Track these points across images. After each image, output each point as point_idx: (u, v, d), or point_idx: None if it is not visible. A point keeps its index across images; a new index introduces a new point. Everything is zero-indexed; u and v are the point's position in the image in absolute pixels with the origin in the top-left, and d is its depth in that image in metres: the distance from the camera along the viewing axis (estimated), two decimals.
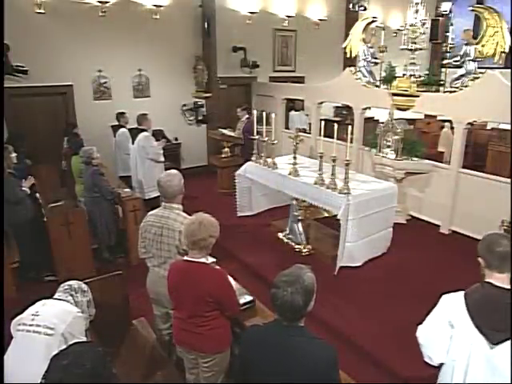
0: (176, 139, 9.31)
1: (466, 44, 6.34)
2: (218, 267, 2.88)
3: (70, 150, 6.59)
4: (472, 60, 6.24)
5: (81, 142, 6.11)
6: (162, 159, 6.52)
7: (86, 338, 2.67)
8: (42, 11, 7.21)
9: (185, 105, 9.47)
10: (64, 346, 2.41)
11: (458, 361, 2.07)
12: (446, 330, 2.11)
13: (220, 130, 8.35)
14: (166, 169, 8.86)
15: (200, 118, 9.69)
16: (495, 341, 1.97)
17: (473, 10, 6.37)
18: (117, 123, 7.56)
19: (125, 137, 7.15)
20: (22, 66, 7.22)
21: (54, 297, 2.67)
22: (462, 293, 2.13)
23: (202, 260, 2.72)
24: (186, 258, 2.77)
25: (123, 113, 7.47)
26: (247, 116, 8.11)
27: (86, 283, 3.40)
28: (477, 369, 2.02)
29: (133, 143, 6.62)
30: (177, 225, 3.17)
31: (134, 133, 6.75)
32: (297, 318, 2.05)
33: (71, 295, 2.69)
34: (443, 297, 2.21)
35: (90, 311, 2.78)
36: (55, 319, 2.44)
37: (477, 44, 6.16)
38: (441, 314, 2.18)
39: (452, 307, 2.13)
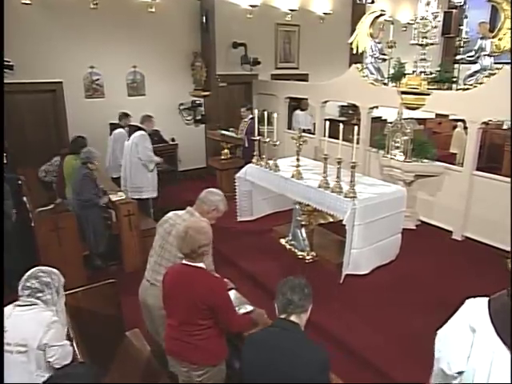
0: (173, 140, 9.34)
1: (482, 38, 6.32)
2: (217, 275, 2.90)
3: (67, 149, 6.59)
4: (488, 55, 6.22)
5: (83, 142, 6.14)
6: (152, 166, 6.57)
7: (69, 338, 2.65)
8: (28, 2, 7.21)
9: (182, 104, 9.49)
10: (44, 358, 2.39)
11: (478, 369, 2.05)
12: (468, 335, 2.09)
13: (220, 130, 8.34)
14: (165, 170, 8.96)
15: (198, 117, 9.71)
16: None
17: (489, 1, 6.29)
18: (116, 122, 7.61)
19: (121, 136, 7.19)
20: (8, 61, 7.17)
21: (18, 303, 2.52)
22: (486, 298, 2.12)
23: (200, 265, 2.76)
24: (184, 261, 2.80)
25: (128, 114, 7.52)
26: (251, 116, 8.11)
27: (76, 292, 3.42)
28: (499, 379, 2.00)
29: (128, 139, 6.71)
30: None
31: (132, 130, 6.81)
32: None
33: (37, 297, 2.55)
34: (467, 301, 2.20)
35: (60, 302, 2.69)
36: (26, 333, 2.33)
37: (493, 37, 6.14)
38: (462, 317, 2.16)
39: (475, 312, 2.11)
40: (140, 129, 6.58)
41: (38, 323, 2.39)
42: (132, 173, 6.54)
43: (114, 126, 7.73)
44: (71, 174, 5.84)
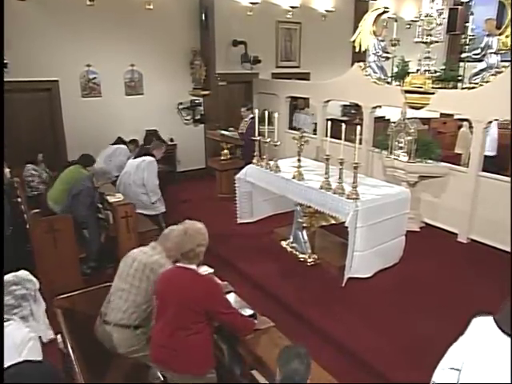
0: (171, 140, 9.34)
1: (488, 35, 6.32)
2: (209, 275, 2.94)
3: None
4: (494, 53, 6.22)
5: (93, 159, 6.19)
6: (154, 199, 6.42)
7: (63, 342, 2.62)
8: None
9: (181, 103, 9.49)
10: None
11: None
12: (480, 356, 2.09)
13: (220, 130, 8.35)
14: (163, 171, 8.95)
15: (197, 117, 9.71)
16: None
17: None
18: (125, 140, 7.86)
19: (121, 153, 7.33)
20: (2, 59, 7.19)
21: None
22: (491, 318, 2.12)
23: (194, 267, 2.81)
24: (178, 264, 2.85)
25: (137, 141, 7.76)
26: (251, 116, 8.11)
27: (71, 295, 3.42)
28: None
29: (135, 158, 6.69)
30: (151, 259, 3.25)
31: (141, 151, 6.85)
32: None
33: (13, 314, 2.47)
34: (473, 321, 2.20)
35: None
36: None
37: (500, 35, 6.13)
38: (470, 339, 2.16)
39: (483, 332, 2.11)
40: (149, 154, 6.54)
41: (12, 343, 2.29)
42: (132, 191, 6.34)
43: (119, 141, 7.89)
44: (68, 182, 5.78)
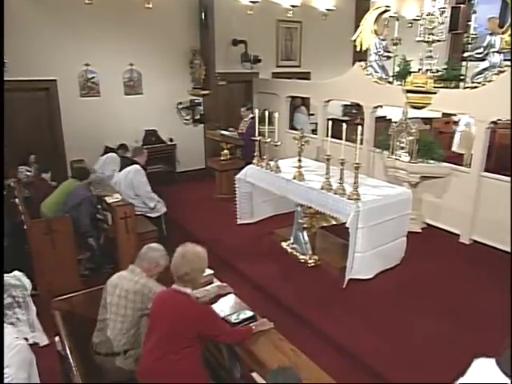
0: (171, 140, 9.35)
1: (491, 34, 6.30)
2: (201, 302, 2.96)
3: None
4: (497, 52, 6.20)
5: (87, 170, 6.19)
6: (152, 204, 6.39)
7: (61, 344, 2.60)
8: None
9: (180, 103, 9.49)
10: None
11: None
12: None
13: (219, 130, 8.35)
14: (162, 171, 8.95)
15: (197, 117, 9.72)
16: None
17: None
18: (112, 147, 7.76)
19: (112, 161, 7.22)
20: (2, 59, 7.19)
21: None
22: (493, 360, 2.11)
23: (187, 290, 2.80)
24: (174, 286, 2.84)
25: (127, 147, 7.64)
26: (251, 116, 8.12)
27: (70, 297, 3.43)
28: None
29: (120, 170, 6.63)
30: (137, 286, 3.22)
31: (124, 163, 6.78)
32: None
33: (11, 323, 2.50)
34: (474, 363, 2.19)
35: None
36: None
37: (503, 33, 6.11)
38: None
39: (484, 374, 2.10)
40: (134, 162, 6.50)
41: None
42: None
43: (109, 150, 7.81)
44: (63, 194, 5.79)
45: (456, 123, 8.98)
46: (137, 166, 6.44)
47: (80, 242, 5.47)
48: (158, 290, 3.10)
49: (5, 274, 2.72)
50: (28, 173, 6.75)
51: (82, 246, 5.56)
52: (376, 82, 7.41)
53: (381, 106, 7.66)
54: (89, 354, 3.22)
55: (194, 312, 2.77)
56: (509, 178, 6.00)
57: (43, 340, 2.73)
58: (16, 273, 2.86)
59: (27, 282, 2.85)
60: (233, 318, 3.12)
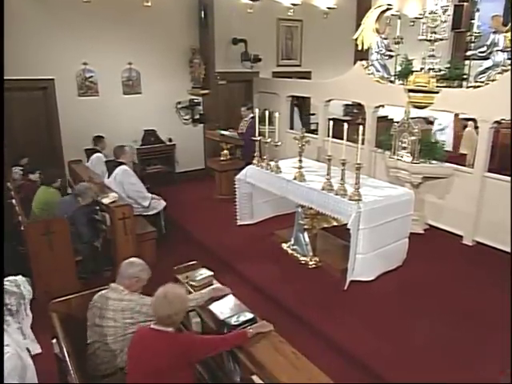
0: (170, 140, 9.35)
1: (495, 32, 6.29)
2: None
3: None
4: (501, 50, 6.19)
5: (53, 173, 6.11)
6: (146, 203, 6.38)
7: (59, 347, 2.59)
8: None
9: (180, 102, 9.50)
10: None
11: None
12: None
13: (219, 130, 8.35)
14: (161, 171, 8.94)
15: (196, 117, 9.73)
16: None
17: None
18: (91, 147, 7.61)
19: (99, 161, 7.17)
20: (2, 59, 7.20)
21: None
22: None
23: (168, 330, 2.74)
24: (152, 325, 2.79)
25: (101, 136, 7.54)
26: (251, 115, 8.12)
27: (68, 299, 3.42)
28: None
29: (108, 176, 6.55)
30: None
31: (111, 166, 6.64)
32: None
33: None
34: None
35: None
36: None
37: (507, 32, 6.11)
38: None
39: None
40: (120, 163, 6.43)
41: None
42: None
43: (90, 152, 7.69)
44: (45, 204, 5.74)
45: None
46: (123, 167, 6.40)
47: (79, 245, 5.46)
48: (146, 302, 3.08)
49: (5, 278, 2.71)
50: (23, 174, 6.76)
51: (80, 249, 5.54)
52: (378, 81, 7.41)
53: (382, 106, 7.65)
54: (86, 357, 3.21)
55: (180, 347, 2.72)
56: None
57: (35, 348, 2.72)
58: (18, 278, 2.84)
59: (27, 290, 2.82)
60: (233, 320, 3.11)
